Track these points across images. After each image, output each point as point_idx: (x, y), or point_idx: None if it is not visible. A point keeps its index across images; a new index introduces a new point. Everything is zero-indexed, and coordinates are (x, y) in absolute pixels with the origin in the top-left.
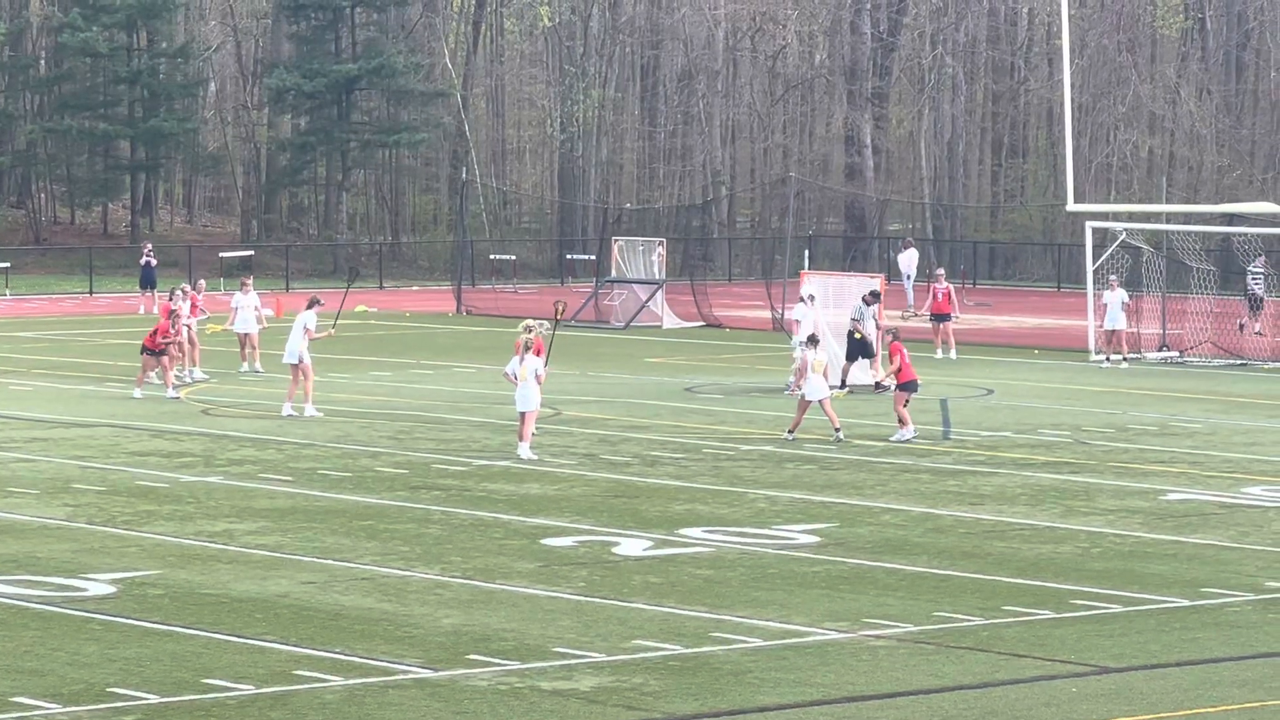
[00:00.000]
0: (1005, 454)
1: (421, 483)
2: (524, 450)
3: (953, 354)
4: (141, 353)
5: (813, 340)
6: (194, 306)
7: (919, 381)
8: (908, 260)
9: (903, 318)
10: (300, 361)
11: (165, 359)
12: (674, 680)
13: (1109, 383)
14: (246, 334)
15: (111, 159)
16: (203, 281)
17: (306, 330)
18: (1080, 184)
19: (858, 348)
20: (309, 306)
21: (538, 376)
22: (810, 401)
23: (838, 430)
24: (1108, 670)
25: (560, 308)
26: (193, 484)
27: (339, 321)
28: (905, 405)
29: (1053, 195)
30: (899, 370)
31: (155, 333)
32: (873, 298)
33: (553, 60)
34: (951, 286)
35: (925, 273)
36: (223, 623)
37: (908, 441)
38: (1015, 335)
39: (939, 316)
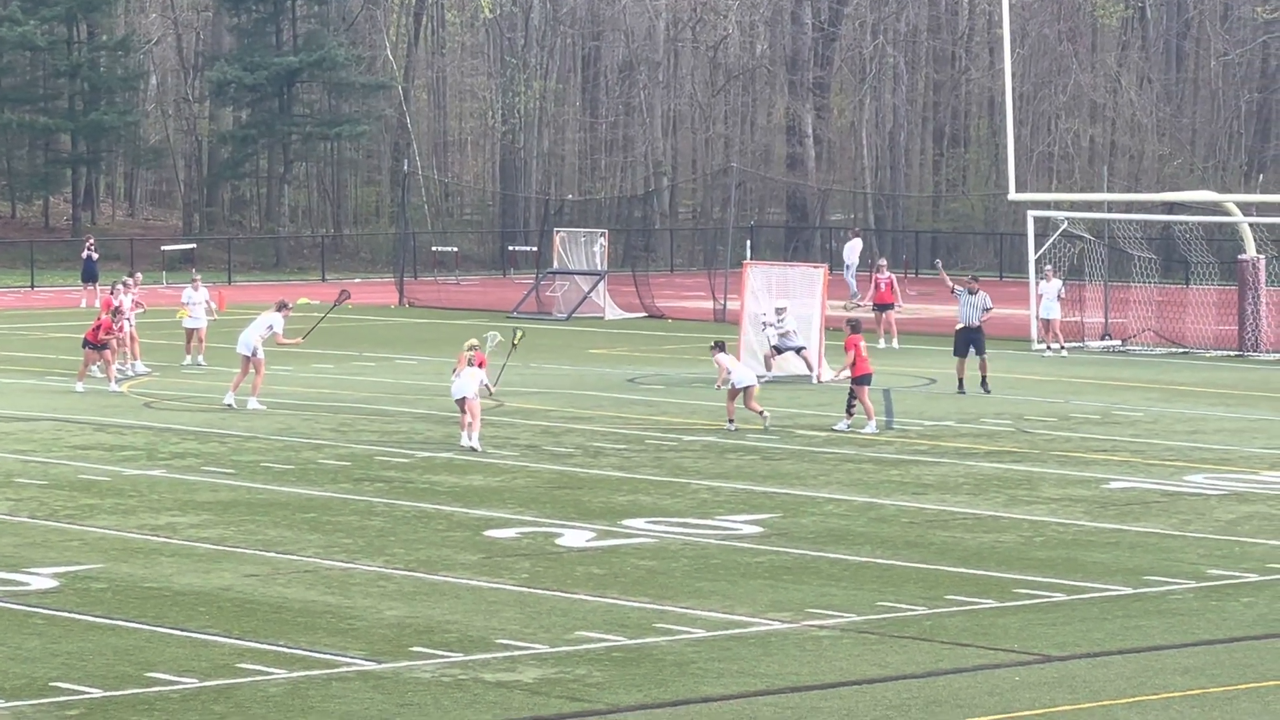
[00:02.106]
0: (948, 443)
1: (364, 475)
2: (466, 439)
3: (895, 344)
4: (83, 346)
5: (719, 345)
6: (134, 301)
7: (872, 375)
8: (851, 250)
9: (845, 308)
10: (254, 355)
11: (107, 352)
12: (617, 671)
13: (1051, 371)
14: (195, 329)
15: (52, 152)
16: (139, 274)
17: (275, 334)
18: (1022, 173)
19: (968, 340)
20: (278, 309)
21: (487, 388)
22: (739, 389)
23: (763, 415)
24: (1051, 659)
25: (518, 335)
26: (135, 477)
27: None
28: (867, 397)
29: (994, 184)
30: (854, 364)
31: (98, 327)
32: (974, 283)
33: (494, 52)
34: (894, 276)
35: (868, 262)
36: (166, 616)
37: (875, 434)
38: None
39: (881, 306)
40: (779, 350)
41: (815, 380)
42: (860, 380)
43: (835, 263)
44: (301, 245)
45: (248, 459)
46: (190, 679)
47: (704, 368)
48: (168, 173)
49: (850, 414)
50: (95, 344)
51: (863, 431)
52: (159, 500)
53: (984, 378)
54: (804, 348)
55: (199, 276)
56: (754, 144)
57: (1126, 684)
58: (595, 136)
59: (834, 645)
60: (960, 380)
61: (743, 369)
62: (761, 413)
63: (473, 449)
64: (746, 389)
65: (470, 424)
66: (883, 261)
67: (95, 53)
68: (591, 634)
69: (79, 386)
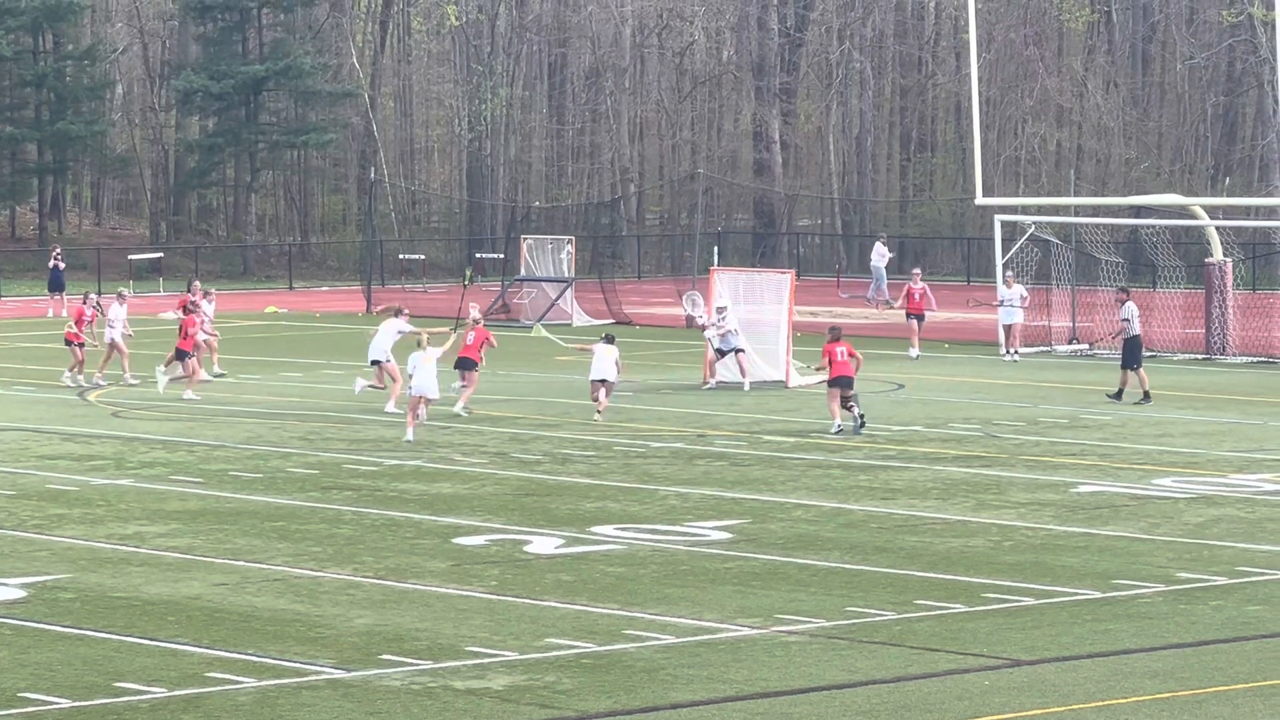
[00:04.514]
0: (916, 448)
1: (333, 483)
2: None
3: (917, 352)
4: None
5: (608, 339)
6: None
7: (851, 378)
8: (879, 255)
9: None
10: (386, 361)
11: (79, 350)
12: (587, 678)
13: (1019, 376)
14: (207, 340)
15: (19, 162)
16: (124, 290)
17: (408, 333)
18: (988, 177)
19: (1131, 353)
20: (396, 314)
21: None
22: (594, 380)
23: (599, 413)
24: (1020, 663)
25: (469, 274)
26: (103, 487)
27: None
28: (838, 401)
29: (961, 189)
30: (829, 366)
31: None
32: (1124, 294)
33: (460, 59)
34: (927, 286)
35: (896, 270)
36: (135, 626)
37: (838, 433)
38: (925, 329)
39: (915, 315)
40: (721, 353)
41: (784, 384)
42: (833, 383)
43: (803, 268)
44: (268, 254)
45: (216, 468)
46: (159, 688)
47: (672, 374)
48: (134, 182)
49: (853, 413)
50: (188, 347)
51: (826, 434)
52: (127, 510)
53: (1145, 390)
54: (743, 350)
55: (212, 290)
56: (721, 150)
57: (1096, 688)
58: (562, 143)
59: (803, 651)
60: (1121, 391)
61: (604, 364)
62: (599, 410)
63: (390, 413)
64: (602, 382)
65: (411, 410)
66: (917, 271)
67: (61, 62)
68: (561, 641)
69: (66, 378)
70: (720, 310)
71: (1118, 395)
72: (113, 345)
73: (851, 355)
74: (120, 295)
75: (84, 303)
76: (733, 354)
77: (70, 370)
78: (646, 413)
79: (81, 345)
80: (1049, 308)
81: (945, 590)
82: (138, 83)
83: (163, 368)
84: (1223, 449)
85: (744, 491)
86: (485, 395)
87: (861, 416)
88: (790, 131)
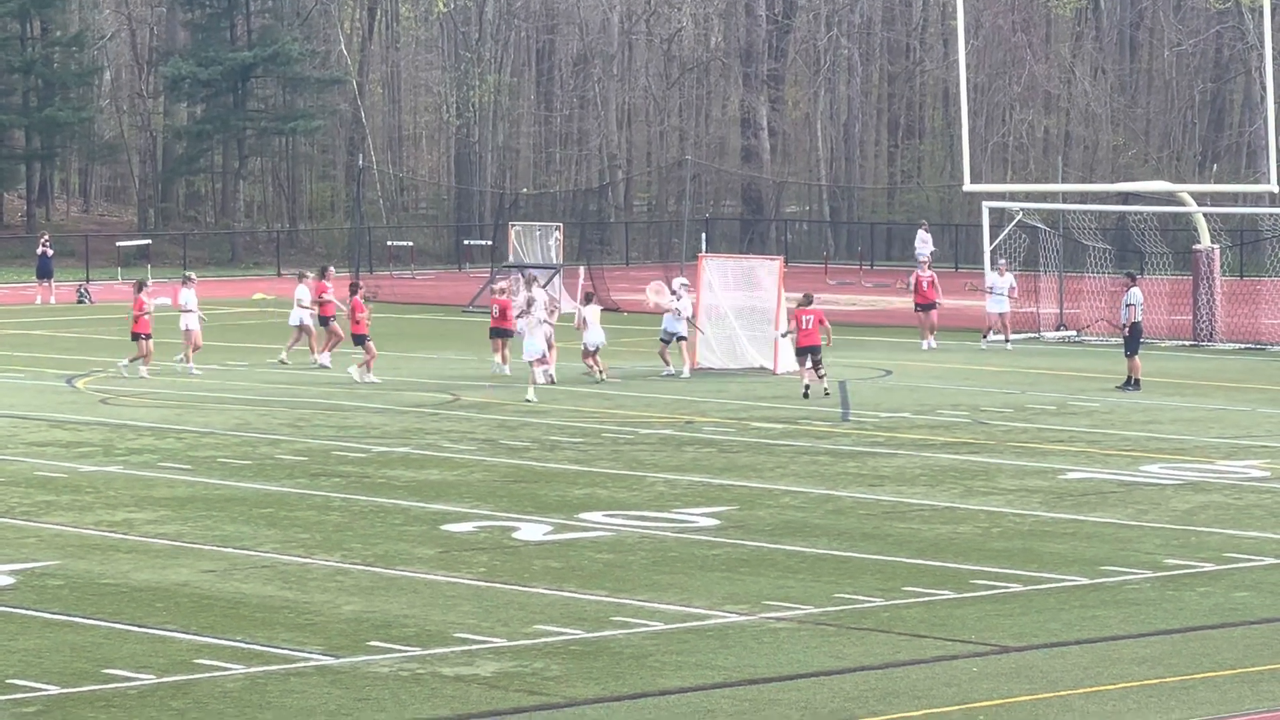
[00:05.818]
0: (904, 435)
1: (321, 470)
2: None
3: (933, 343)
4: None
5: (588, 297)
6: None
7: (817, 346)
8: (921, 242)
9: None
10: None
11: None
12: (575, 665)
13: (1007, 363)
14: (305, 327)
15: (6, 148)
16: (191, 274)
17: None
18: (976, 164)
19: (1133, 339)
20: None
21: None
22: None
23: (600, 372)
24: (1008, 649)
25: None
26: (92, 474)
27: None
28: (806, 365)
29: (949, 176)
30: (796, 333)
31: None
32: (1131, 279)
33: (448, 46)
34: (935, 275)
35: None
36: (123, 612)
37: (806, 393)
38: (913, 316)
39: (923, 305)
40: (665, 341)
41: (773, 370)
42: (799, 352)
43: (791, 254)
44: (257, 240)
45: (204, 455)
46: (148, 675)
47: (660, 361)
48: (122, 168)
49: (822, 381)
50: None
51: (814, 421)
52: (116, 496)
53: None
54: (684, 338)
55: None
56: (709, 137)
57: (1084, 674)
58: (550, 130)
59: (791, 637)
60: (1131, 379)
61: (596, 331)
62: (600, 371)
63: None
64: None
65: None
66: (924, 259)
67: (49, 48)
68: (549, 627)
69: (144, 371)
70: (675, 292)
71: (1133, 384)
72: (190, 332)
73: (820, 323)
74: (187, 279)
75: (139, 292)
76: (675, 340)
77: (137, 360)
78: (635, 399)
79: (149, 337)
80: (1037, 294)
81: (933, 577)
82: (126, 69)
83: (328, 362)
84: (1210, 435)
85: (732, 478)
86: (473, 382)
87: (824, 375)
88: (778, 118)
